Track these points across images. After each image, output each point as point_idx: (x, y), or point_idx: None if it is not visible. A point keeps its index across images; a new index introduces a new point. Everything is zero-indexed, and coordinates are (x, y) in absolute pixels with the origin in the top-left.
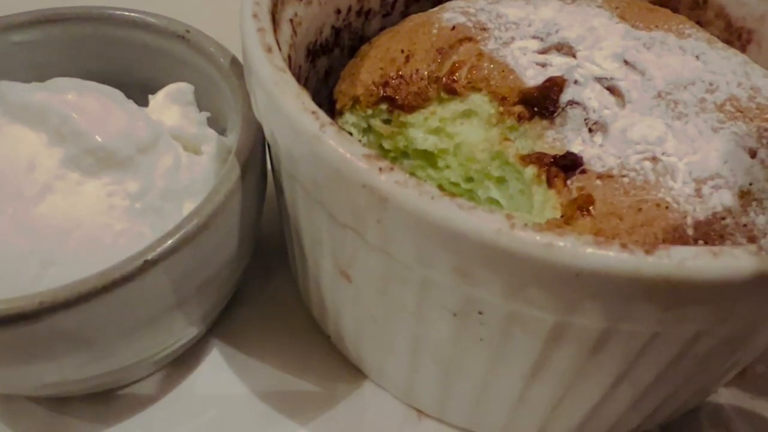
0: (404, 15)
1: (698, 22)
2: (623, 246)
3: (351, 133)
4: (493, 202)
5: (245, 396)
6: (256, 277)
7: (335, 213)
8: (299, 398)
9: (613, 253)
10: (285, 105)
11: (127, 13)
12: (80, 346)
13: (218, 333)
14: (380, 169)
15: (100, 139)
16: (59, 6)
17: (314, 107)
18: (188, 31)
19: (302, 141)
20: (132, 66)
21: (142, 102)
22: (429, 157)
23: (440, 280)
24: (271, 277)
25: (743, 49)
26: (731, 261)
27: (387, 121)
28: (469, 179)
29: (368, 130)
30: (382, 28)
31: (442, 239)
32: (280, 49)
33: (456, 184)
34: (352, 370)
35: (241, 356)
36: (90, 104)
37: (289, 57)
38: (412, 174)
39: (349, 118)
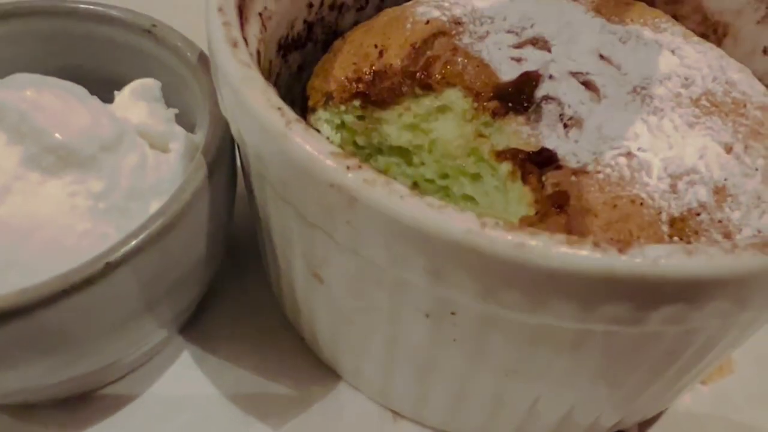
0: (378, 9)
1: (674, 16)
2: (596, 245)
3: (319, 130)
4: (469, 198)
5: (218, 399)
6: (228, 276)
7: (304, 213)
8: (273, 400)
9: (585, 252)
10: (250, 101)
11: (92, 7)
12: (42, 353)
13: (190, 334)
14: (348, 167)
15: (60, 137)
16: (21, 0)
17: (281, 103)
18: (155, 26)
19: (269, 139)
20: (97, 61)
21: (108, 98)
22: (404, 154)
23: (412, 280)
24: (244, 277)
25: (719, 43)
26: (705, 259)
27: (361, 118)
28: (445, 176)
29: (342, 126)
30: (356, 22)
31: (413, 239)
32: (247, 44)
33: (431, 181)
34: (326, 372)
35: (214, 358)
36: (50, 101)
37: (258, 52)
38: (383, 172)
39: (322, 114)
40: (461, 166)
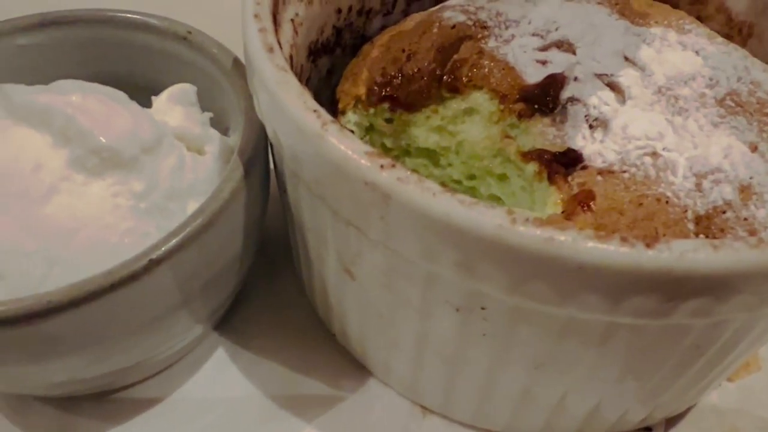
0: (405, 13)
1: (698, 17)
2: (624, 239)
3: (353, 131)
4: (495, 198)
5: (252, 394)
6: (261, 275)
7: (338, 210)
8: (305, 396)
9: (614, 246)
10: (287, 104)
11: (129, 16)
12: (87, 345)
13: (224, 332)
14: (382, 166)
15: (104, 140)
16: (63, 9)
17: (316, 106)
18: (190, 33)
19: (305, 140)
20: (136, 67)
21: (146, 103)
22: (431, 155)
23: (443, 275)
24: (276, 276)
25: (744, 43)
26: (732, 253)
27: (389, 120)
28: (472, 177)
29: (371, 128)
30: (383, 27)
31: (445, 235)
32: (281, 48)
33: (458, 182)
34: (357, 368)
35: (247, 355)
36: (94, 105)
37: (291, 57)
38: (415, 171)
39: (351, 117)
40: (488, 167)
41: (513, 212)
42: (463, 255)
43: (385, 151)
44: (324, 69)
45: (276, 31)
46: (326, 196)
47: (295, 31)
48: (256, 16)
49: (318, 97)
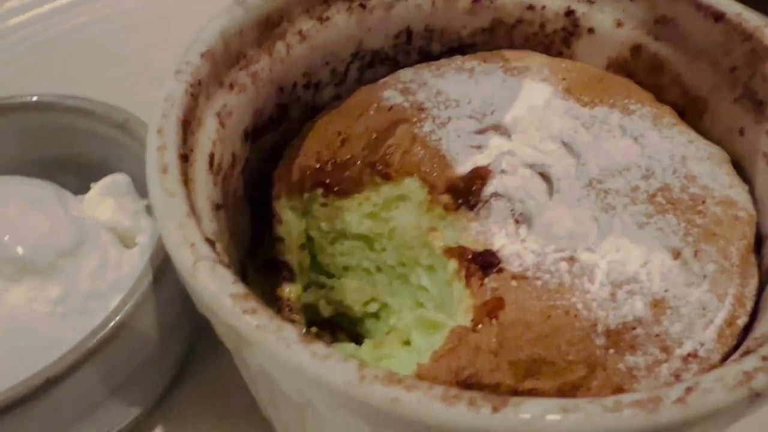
0: (359, 81)
1: (656, 86)
2: (471, 402)
3: (283, 218)
4: (423, 289)
5: None
6: (203, 352)
7: (223, 337)
8: None
9: (459, 410)
10: (167, 233)
11: (70, 102)
12: None
13: (162, 412)
14: (244, 311)
15: (19, 250)
16: (6, 96)
17: (195, 239)
18: (127, 120)
19: (180, 272)
20: (81, 150)
21: (90, 182)
22: (366, 239)
23: (317, 407)
24: (216, 356)
25: (699, 117)
26: (582, 418)
27: (324, 205)
28: (403, 264)
29: (307, 212)
30: (336, 96)
31: (303, 382)
32: (188, 159)
33: (392, 267)
34: None
35: None
36: (11, 213)
37: (212, 154)
38: (349, 255)
39: (286, 202)
40: (417, 256)
41: (364, 367)
42: (323, 401)
43: (323, 234)
44: (269, 145)
45: (190, 135)
46: (210, 321)
47: (222, 124)
48: (159, 131)
49: (264, 176)
